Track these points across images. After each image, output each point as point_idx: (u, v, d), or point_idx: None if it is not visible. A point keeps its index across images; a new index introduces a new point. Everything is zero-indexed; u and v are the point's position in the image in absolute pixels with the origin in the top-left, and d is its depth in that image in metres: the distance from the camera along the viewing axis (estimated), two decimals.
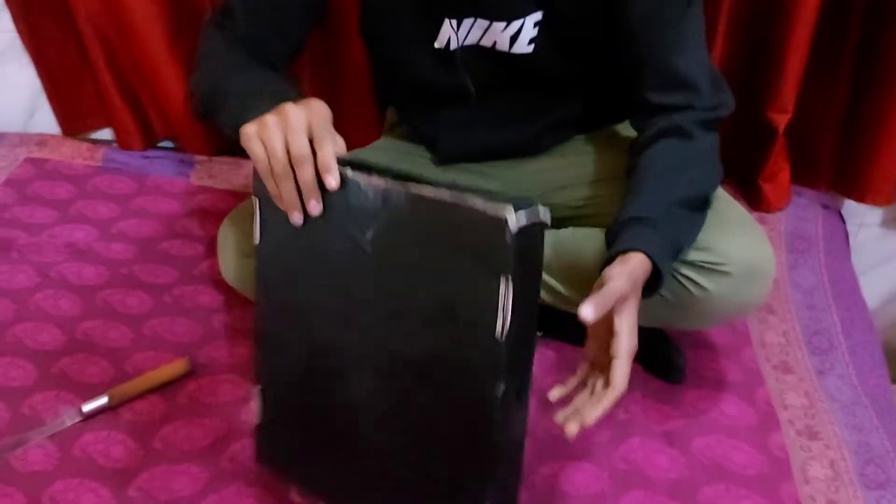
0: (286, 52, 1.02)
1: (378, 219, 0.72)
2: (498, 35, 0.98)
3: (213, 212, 1.40)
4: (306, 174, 0.71)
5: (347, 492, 0.83)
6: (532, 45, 0.99)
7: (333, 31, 1.38)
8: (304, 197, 0.73)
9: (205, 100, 0.93)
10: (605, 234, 0.89)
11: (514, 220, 0.63)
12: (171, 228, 1.37)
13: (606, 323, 0.77)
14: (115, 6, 1.38)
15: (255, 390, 0.88)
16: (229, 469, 0.95)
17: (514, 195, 0.65)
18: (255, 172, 0.77)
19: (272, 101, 0.75)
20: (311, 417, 0.84)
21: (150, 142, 1.57)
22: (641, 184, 0.91)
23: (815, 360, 1.17)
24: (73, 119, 1.57)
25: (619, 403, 1.06)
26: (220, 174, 1.52)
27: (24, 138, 1.56)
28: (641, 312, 1.00)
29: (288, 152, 0.71)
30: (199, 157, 1.55)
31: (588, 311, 0.71)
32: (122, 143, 1.55)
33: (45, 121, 1.58)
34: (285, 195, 0.73)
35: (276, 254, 0.82)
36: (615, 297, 0.75)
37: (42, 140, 1.56)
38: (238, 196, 1.44)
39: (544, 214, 0.67)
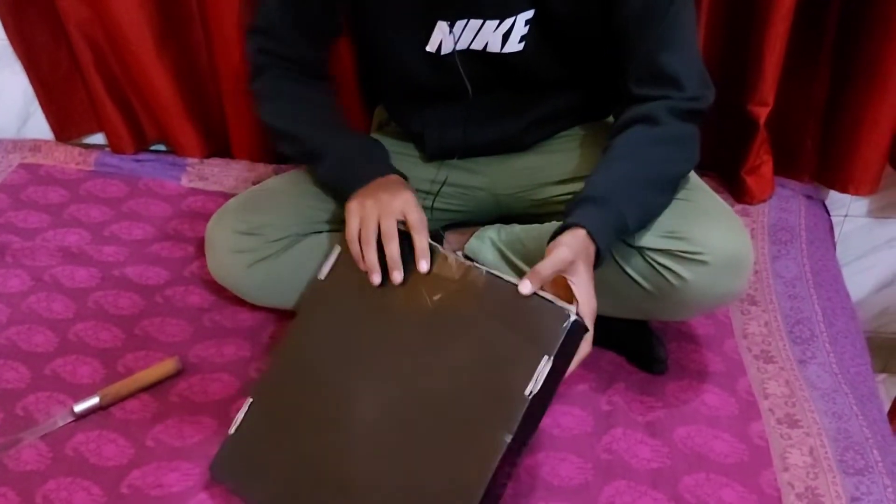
0: (324, 59, 1.14)
1: (450, 287, 0.87)
2: (490, 35, 1.00)
3: (203, 213, 1.42)
4: (393, 249, 0.89)
5: None
6: (523, 44, 1.01)
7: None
8: (388, 267, 0.89)
9: (286, 139, 1.10)
10: (564, 210, 0.93)
11: (573, 317, 0.78)
12: (162, 230, 1.39)
13: (566, 292, 0.83)
14: (103, 13, 1.40)
15: (247, 402, 0.95)
16: None
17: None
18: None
19: (373, 173, 0.99)
20: (296, 443, 0.90)
21: (141, 145, 1.59)
22: (600, 165, 0.96)
23: (797, 349, 1.18)
24: (66, 124, 1.59)
25: (603, 395, 1.09)
26: (211, 176, 1.54)
27: (17, 144, 1.58)
28: (622, 306, 1.03)
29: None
30: (189, 160, 1.56)
31: (525, 287, 0.81)
32: (114, 147, 1.57)
33: (39, 127, 1.60)
34: (368, 260, 0.90)
35: (333, 291, 0.96)
36: (551, 270, 0.82)
37: (35, 146, 1.58)
38: (228, 197, 1.45)
39: (588, 331, 0.81)
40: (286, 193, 1.11)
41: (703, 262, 0.93)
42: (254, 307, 1.19)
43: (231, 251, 1.05)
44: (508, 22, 0.99)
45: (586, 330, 0.81)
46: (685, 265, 0.94)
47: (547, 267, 0.81)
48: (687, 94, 0.97)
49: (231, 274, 1.07)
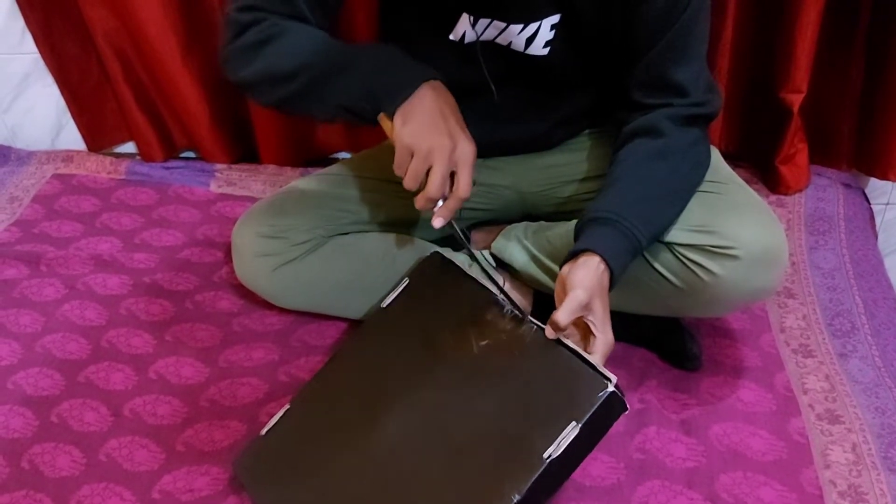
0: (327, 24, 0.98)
1: (499, 336, 0.86)
2: (514, 37, 0.99)
3: (232, 218, 1.43)
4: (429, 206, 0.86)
5: None
6: (548, 48, 0.99)
7: (341, 30, 1.40)
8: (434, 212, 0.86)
9: (294, 75, 0.89)
10: (574, 229, 0.91)
11: (612, 386, 0.75)
12: (191, 236, 1.40)
13: (582, 324, 0.83)
14: (130, 23, 1.42)
15: (284, 408, 0.97)
16: None
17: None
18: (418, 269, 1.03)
19: (420, 75, 0.87)
20: (318, 457, 0.90)
21: (171, 153, 1.61)
22: (609, 181, 0.94)
23: (837, 342, 1.15)
24: (97, 135, 1.62)
25: (635, 392, 1.07)
26: (239, 181, 1.55)
27: (51, 155, 1.61)
28: (653, 303, 1.01)
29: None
30: (218, 166, 1.58)
31: (551, 334, 0.81)
32: (145, 155, 1.59)
33: (71, 138, 1.63)
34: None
35: (392, 320, 0.99)
36: (569, 317, 0.81)
37: (68, 156, 1.61)
38: (256, 201, 1.46)
39: (628, 407, 0.78)
40: (309, 196, 1.11)
41: (734, 257, 0.91)
42: (282, 311, 1.19)
43: (256, 255, 1.05)
44: (533, 27, 0.97)
45: (625, 408, 0.77)
46: (716, 260, 0.91)
47: (564, 315, 0.80)
48: (690, 99, 0.95)
49: (257, 277, 1.08)
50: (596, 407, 0.75)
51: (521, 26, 0.97)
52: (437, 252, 1.05)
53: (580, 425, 0.74)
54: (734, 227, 0.91)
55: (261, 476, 0.92)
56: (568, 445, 0.75)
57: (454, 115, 0.87)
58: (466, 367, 0.87)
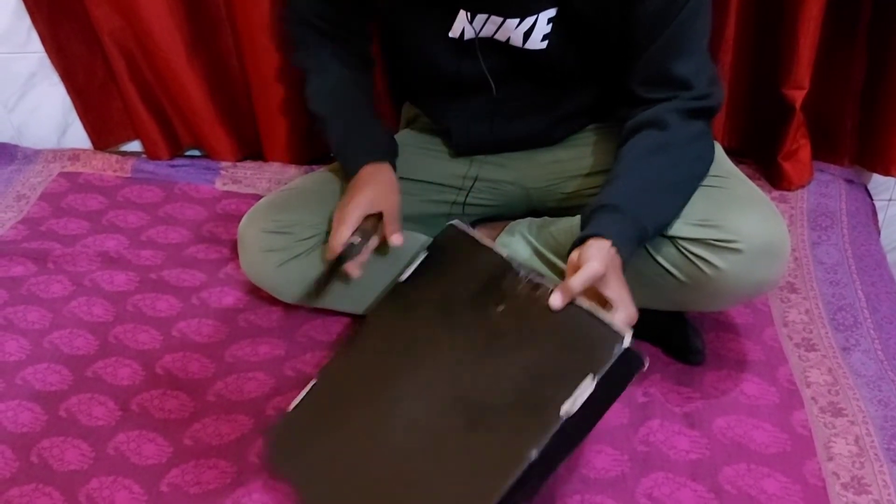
0: (359, 18, 1.14)
1: (515, 302, 0.87)
2: (511, 31, 0.99)
3: (237, 216, 1.42)
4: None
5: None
6: (545, 42, 1.00)
7: None
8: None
9: (317, 119, 1.14)
10: (581, 218, 0.92)
11: (628, 341, 0.75)
12: (197, 234, 1.41)
13: (600, 300, 0.83)
14: (135, 22, 1.43)
15: (311, 382, 0.99)
16: (256, 463, 0.98)
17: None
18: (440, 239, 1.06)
19: (362, 161, 1.05)
20: (341, 430, 0.91)
21: (176, 151, 1.62)
22: (615, 173, 0.95)
23: (840, 336, 1.15)
24: (103, 133, 1.63)
25: (639, 386, 1.07)
26: (244, 179, 1.55)
27: (57, 154, 1.62)
28: (656, 297, 1.01)
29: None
30: (223, 164, 1.59)
31: (556, 300, 0.82)
32: (150, 153, 1.60)
33: (77, 136, 1.64)
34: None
35: (411, 294, 1.01)
36: (583, 285, 0.81)
37: (74, 154, 1.62)
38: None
39: (645, 363, 0.78)
40: (315, 192, 1.12)
41: (736, 251, 0.91)
42: (288, 306, 1.20)
43: (262, 250, 1.06)
44: (530, 20, 0.98)
45: (642, 364, 0.77)
46: (719, 254, 0.92)
47: (578, 282, 0.80)
48: (694, 92, 0.96)
49: (263, 273, 1.08)
50: (612, 362, 0.75)
51: (517, 20, 0.98)
52: (453, 224, 1.06)
53: (596, 379, 0.74)
54: (736, 221, 0.92)
55: (289, 451, 0.94)
56: (585, 402, 0.74)
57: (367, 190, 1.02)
58: (484, 332, 0.88)
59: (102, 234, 1.41)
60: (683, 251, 0.94)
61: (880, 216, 1.51)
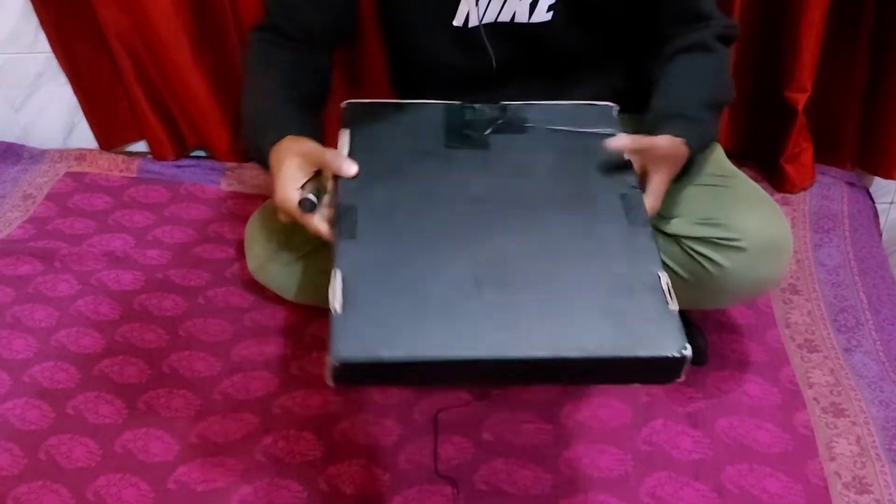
0: (326, 26, 1.04)
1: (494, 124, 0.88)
2: (517, 4, 1.00)
3: (243, 216, 1.44)
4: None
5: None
6: (551, 13, 1.00)
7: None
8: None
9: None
10: (645, 124, 0.93)
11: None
12: (203, 233, 1.42)
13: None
14: (142, 22, 1.44)
15: (336, 274, 0.77)
16: (262, 461, 0.99)
17: None
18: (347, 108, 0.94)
19: (268, 143, 0.89)
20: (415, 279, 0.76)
21: (182, 151, 1.62)
22: (673, 87, 0.98)
23: (842, 337, 1.16)
24: (109, 133, 1.63)
25: (642, 386, 1.08)
26: (250, 179, 1.56)
27: (63, 154, 1.63)
28: None
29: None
30: (229, 164, 1.59)
31: (612, 141, 0.85)
32: (156, 153, 1.61)
33: (84, 136, 1.65)
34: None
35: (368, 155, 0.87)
36: (641, 144, 0.85)
37: (81, 155, 1.62)
38: (266, 199, 1.48)
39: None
40: None
41: (740, 249, 0.92)
42: (294, 306, 1.20)
43: (268, 250, 1.07)
44: None
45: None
46: (722, 252, 0.93)
47: (641, 140, 0.85)
48: (721, 21, 1.00)
49: (269, 272, 1.09)
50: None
51: None
52: (349, 102, 0.95)
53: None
54: (739, 220, 0.93)
55: (380, 344, 0.71)
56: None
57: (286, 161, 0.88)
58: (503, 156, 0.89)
59: (109, 233, 1.42)
60: (687, 250, 0.95)
61: (882, 219, 1.52)
